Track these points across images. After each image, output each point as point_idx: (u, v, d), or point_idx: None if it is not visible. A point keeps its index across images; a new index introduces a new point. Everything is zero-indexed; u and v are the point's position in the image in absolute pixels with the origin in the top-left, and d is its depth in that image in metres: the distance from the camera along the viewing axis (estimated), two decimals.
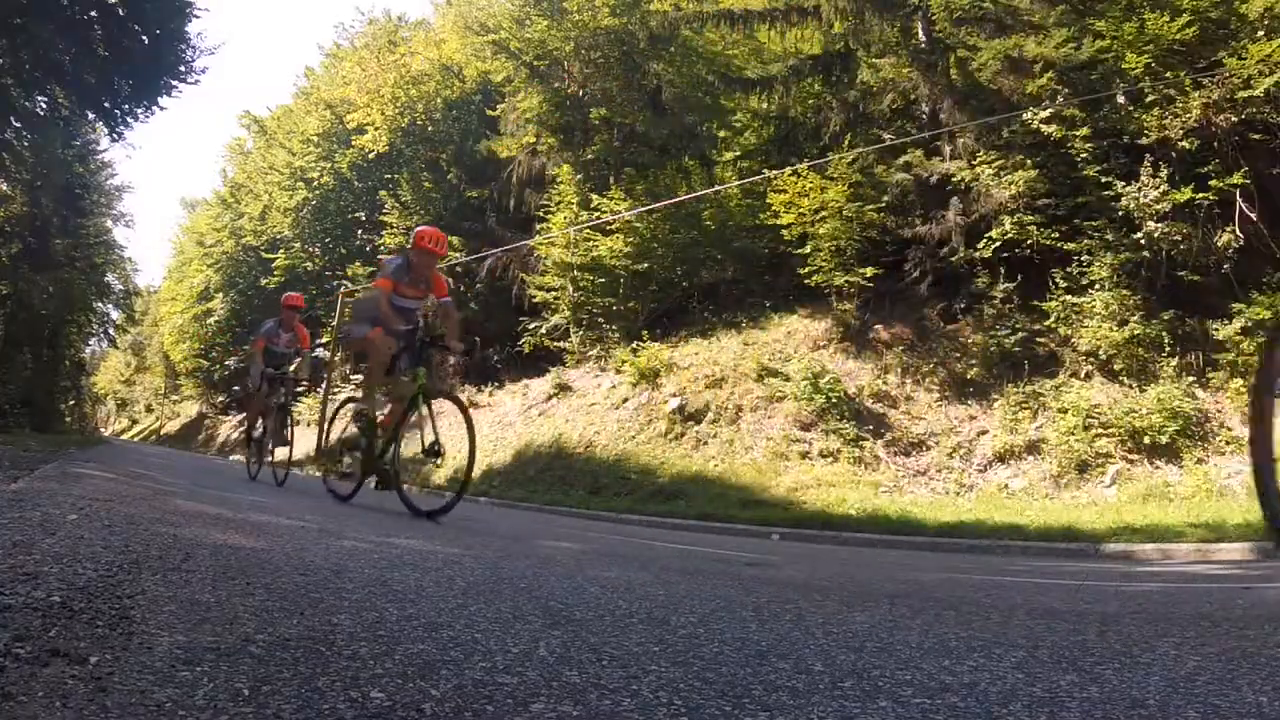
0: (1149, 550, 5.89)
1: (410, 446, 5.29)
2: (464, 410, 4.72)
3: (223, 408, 32.82)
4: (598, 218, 14.84)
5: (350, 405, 5.71)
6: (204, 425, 34.09)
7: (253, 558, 2.13)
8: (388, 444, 4.95)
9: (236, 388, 25.49)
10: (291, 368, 7.65)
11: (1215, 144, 9.45)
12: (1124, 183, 9.61)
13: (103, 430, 44.50)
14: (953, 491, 9.13)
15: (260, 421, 7.88)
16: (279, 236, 27.01)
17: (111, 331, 36.26)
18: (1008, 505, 8.32)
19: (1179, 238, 9.28)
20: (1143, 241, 9.45)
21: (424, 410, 4.66)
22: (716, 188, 13.80)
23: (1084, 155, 9.91)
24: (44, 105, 15.92)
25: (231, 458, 21.82)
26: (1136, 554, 5.83)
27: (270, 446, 7.43)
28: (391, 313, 4.97)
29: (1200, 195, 9.15)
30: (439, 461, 4.66)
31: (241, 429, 26.89)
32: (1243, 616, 2.13)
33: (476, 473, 8.13)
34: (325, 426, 6.40)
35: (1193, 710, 1.12)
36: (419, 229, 5.16)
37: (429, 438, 4.57)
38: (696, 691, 1.13)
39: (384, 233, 22.13)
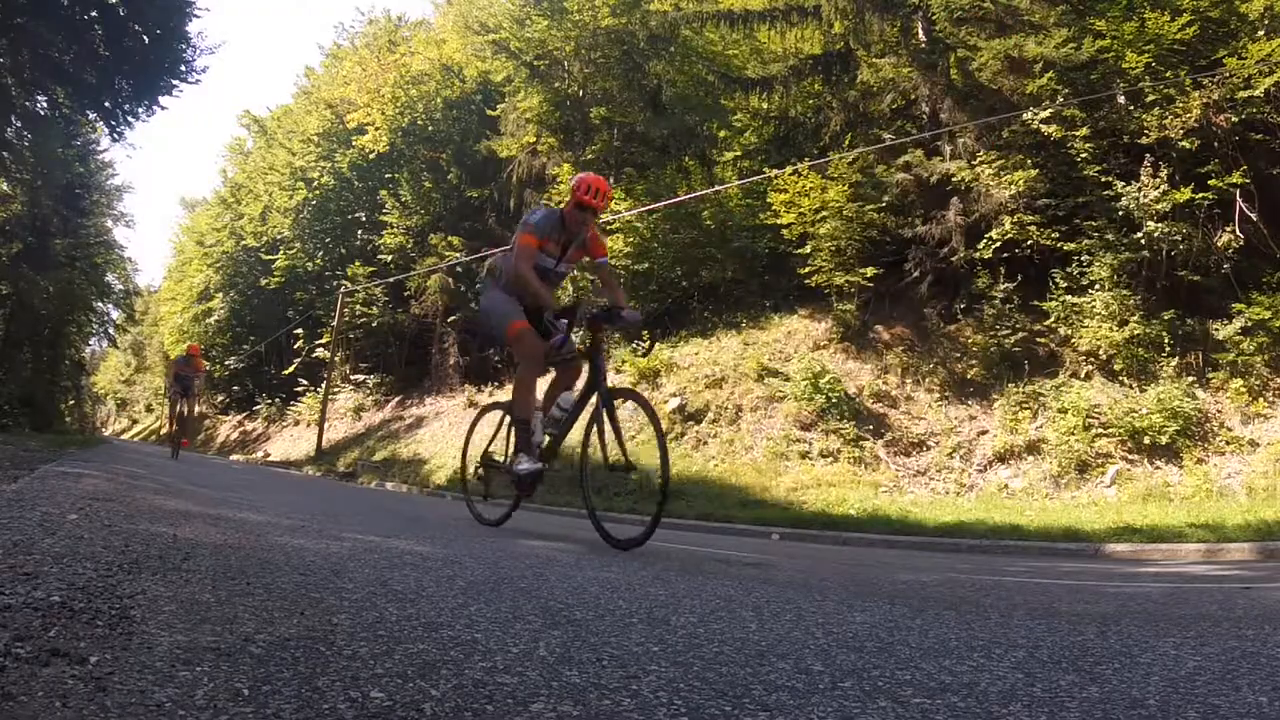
0: (1149, 550, 5.89)
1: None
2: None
3: (223, 407, 32.76)
4: None
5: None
6: (203, 425, 34.05)
7: (253, 558, 2.13)
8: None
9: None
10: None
11: (1215, 144, 9.46)
12: (1124, 183, 9.61)
13: (103, 430, 44.47)
14: (953, 491, 9.13)
15: (534, 392, 4.07)
16: (279, 237, 26.99)
17: (111, 331, 36.21)
18: (1008, 505, 8.32)
19: (1179, 238, 9.28)
20: (1143, 241, 9.45)
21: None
22: (716, 188, 13.79)
23: (1084, 155, 9.91)
24: (44, 105, 15.93)
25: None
26: (1136, 554, 5.83)
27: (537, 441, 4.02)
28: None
29: (1200, 195, 9.16)
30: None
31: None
32: (1243, 617, 2.13)
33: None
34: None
35: (1193, 710, 1.12)
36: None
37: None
38: (696, 691, 1.13)
39: (384, 233, 22.15)
